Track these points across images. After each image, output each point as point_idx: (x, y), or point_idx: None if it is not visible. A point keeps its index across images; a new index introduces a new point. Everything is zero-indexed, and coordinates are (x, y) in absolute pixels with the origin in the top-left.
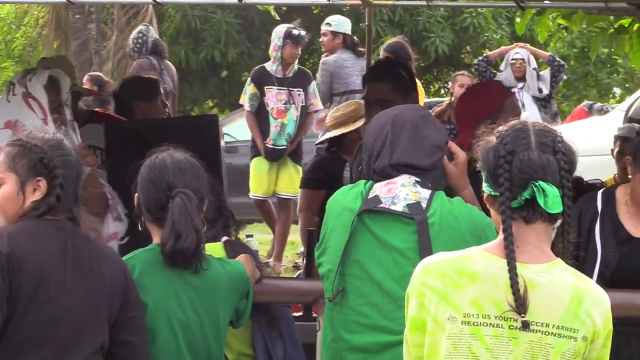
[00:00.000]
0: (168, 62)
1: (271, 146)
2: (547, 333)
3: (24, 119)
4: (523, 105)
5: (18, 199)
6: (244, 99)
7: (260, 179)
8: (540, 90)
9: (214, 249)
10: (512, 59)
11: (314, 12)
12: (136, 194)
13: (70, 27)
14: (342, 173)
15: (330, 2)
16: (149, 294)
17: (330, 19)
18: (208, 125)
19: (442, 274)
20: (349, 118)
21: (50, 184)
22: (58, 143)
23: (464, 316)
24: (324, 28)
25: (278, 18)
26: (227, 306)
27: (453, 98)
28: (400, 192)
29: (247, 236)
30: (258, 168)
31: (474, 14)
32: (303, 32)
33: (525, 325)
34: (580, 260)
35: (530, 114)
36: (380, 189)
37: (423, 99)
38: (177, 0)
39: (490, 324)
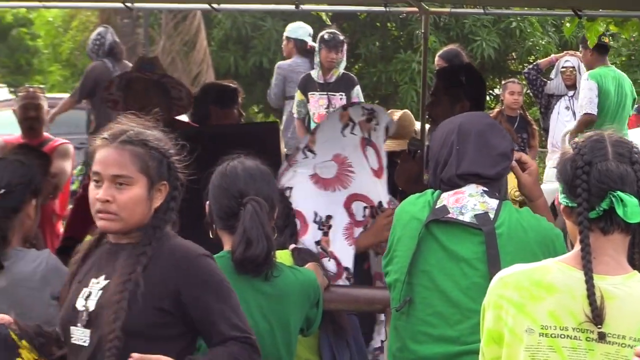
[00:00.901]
0: (126, 63)
1: None
2: (623, 345)
3: (354, 161)
4: (574, 113)
5: (147, 203)
6: (294, 108)
7: None
8: None
9: (282, 257)
10: (563, 67)
11: (360, 17)
12: (207, 202)
13: (118, 32)
14: None
15: (387, 10)
16: None
17: (289, 25)
18: (269, 132)
19: (519, 286)
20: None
21: (172, 188)
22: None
23: (542, 328)
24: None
25: (329, 23)
26: (298, 314)
27: (504, 105)
28: (468, 202)
29: None
30: None
31: (518, 18)
32: (338, 36)
33: (602, 337)
34: None
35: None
36: (447, 198)
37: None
38: (234, 6)
39: (568, 335)
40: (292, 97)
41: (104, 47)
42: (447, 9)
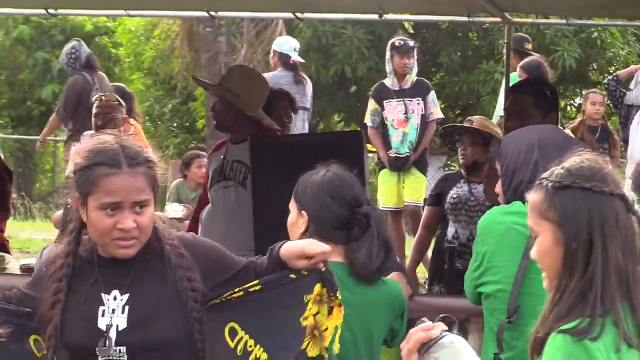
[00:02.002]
0: (101, 73)
1: (394, 155)
2: None
3: None
4: None
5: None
6: (367, 117)
7: (389, 190)
8: None
9: None
10: None
11: (442, 27)
12: (303, 211)
13: (200, 40)
14: (450, 190)
15: (470, 20)
16: None
17: (277, 39)
18: (353, 142)
19: None
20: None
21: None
22: None
23: None
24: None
25: (412, 31)
26: (383, 324)
27: (585, 116)
28: None
29: None
30: (385, 180)
31: (599, 29)
32: (409, 42)
33: None
34: None
35: None
36: None
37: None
38: (318, 15)
39: None
40: None
41: (80, 60)
42: (530, 20)
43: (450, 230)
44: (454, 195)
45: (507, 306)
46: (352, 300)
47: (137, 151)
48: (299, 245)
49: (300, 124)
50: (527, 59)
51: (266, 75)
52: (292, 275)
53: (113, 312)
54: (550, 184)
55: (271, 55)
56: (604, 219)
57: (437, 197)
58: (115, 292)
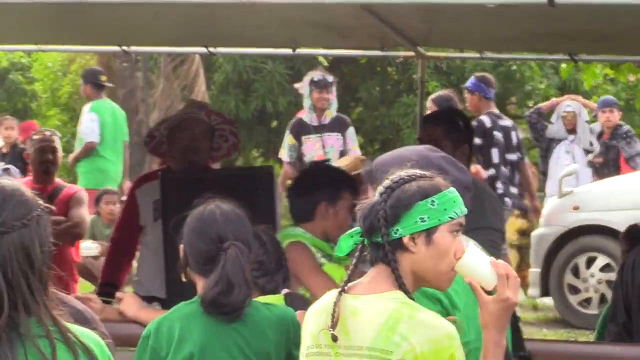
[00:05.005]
0: None
1: None
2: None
3: None
4: (574, 157)
5: None
6: (283, 152)
7: None
8: (591, 144)
9: (275, 301)
10: (564, 112)
11: (361, 61)
12: (181, 245)
13: (117, 75)
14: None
15: (384, 54)
16: (194, 343)
17: None
18: (264, 177)
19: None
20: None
21: None
22: None
23: (306, 348)
24: None
25: (326, 64)
26: (278, 348)
27: None
28: None
29: None
30: None
31: (518, 62)
32: (328, 77)
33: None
34: (633, 311)
35: (581, 166)
36: None
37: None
38: (230, 50)
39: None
40: None
41: None
42: (444, 54)
43: None
44: None
45: None
46: (242, 329)
47: None
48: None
49: None
50: (438, 93)
51: None
52: None
53: None
54: None
55: None
56: None
57: None
58: None
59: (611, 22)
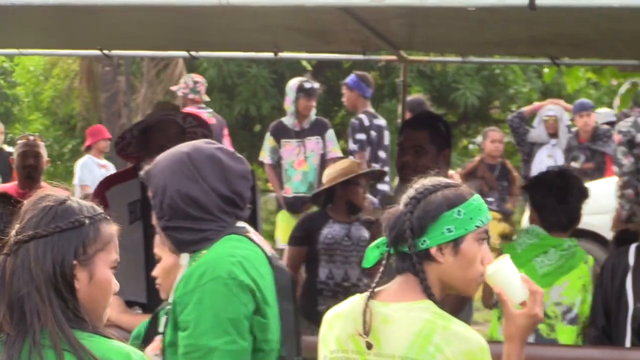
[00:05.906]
0: None
1: (292, 195)
2: None
3: None
4: (556, 161)
5: None
6: (264, 155)
7: (287, 229)
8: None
9: None
10: (546, 116)
11: (345, 66)
12: None
13: (100, 79)
14: (321, 230)
15: (366, 58)
16: None
17: None
18: None
19: (324, 320)
20: (338, 175)
21: None
22: None
23: (330, 353)
24: None
25: (310, 68)
26: None
27: (485, 154)
28: None
29: None
30: (284, 219)
31: (501, 66)
32: (316, 85)
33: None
34: (612, 315)
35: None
36: None
37: None
38: (212, 54)
39: (348, 358)
40: None
41: None
42: (426, 57)
43: (323, 271)
44: (329, 236)
45: None
46: None
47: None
48: None
49: None
50: (410, 97)
51: None
52: None
53: None
54: None
55: None
56: None
57: (305, 238)
58: None
59: (592, 26)
